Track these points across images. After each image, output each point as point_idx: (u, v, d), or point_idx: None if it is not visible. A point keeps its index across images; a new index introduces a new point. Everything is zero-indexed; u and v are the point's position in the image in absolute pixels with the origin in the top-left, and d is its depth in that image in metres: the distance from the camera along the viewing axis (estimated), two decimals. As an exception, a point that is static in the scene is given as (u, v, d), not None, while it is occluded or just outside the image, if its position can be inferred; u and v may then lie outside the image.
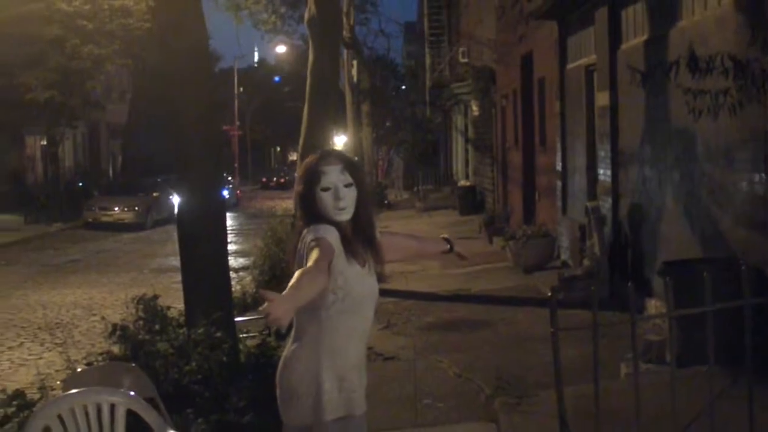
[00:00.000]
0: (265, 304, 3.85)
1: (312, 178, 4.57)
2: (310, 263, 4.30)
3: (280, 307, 3.86)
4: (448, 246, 5.50)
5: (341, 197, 4.52)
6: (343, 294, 4.46)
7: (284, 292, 4.07)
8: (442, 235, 5.62)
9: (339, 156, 4.75)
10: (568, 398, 5.53)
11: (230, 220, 33.93)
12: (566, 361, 5.85)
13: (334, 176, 4.54)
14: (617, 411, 6.33)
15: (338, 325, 4.49)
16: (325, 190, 4.52)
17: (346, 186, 4.54)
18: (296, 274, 4.22)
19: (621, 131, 13.73)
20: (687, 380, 6.63)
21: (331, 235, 4.43)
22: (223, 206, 10.22)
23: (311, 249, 4.37)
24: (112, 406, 5.69)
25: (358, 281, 4.54)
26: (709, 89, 8.71)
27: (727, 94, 8.51)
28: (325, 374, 4.48)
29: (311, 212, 4.55)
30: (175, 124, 9.58)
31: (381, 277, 4.84)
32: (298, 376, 4.51)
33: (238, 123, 75.00)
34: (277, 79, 73.81)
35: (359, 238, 4.65)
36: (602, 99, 14.46)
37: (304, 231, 4.51)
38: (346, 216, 4.55)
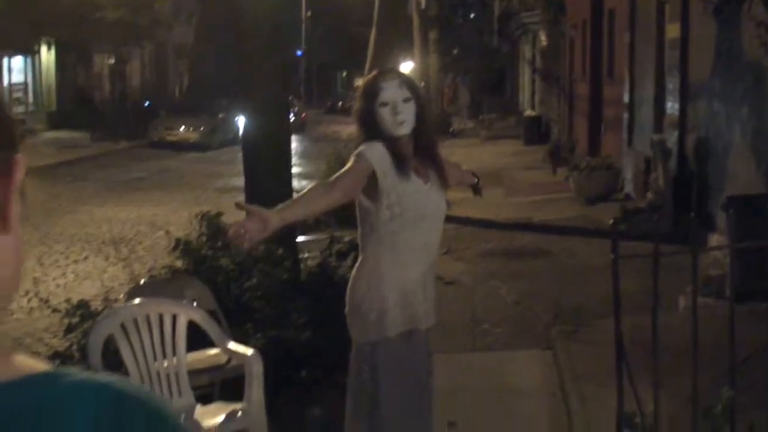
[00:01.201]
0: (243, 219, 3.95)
1: (370, 93, 4.62)
2: (332, 177, 4.42)
3: (254, 225, 3.96)
4: (476, 180, 5.54)
5: (399, 111, 4.56)
6: (400, 210, 4.50)
7: (276, 208, 4.16)
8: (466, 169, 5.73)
9: (396, 72, 4.84)
10: (625, 328, 5.54)
11: (295, 143, 33.96)
12: (625, 293, 5.85)
13: (392, 91, 4.58)
14: (674, 343, 6.32)
15: (398, 241, 4.54)
16: (384, 105, 4.56)
17: (405, 101, 4.58)
18: (309, 186, 4.32)
19: (690, 64, 13.54)
20: (746, 316, 6.61)
21: (375, 153, 4.47)
22: (289, 128, 10.26)
23: (348, 163, 4.48)
24: (174, 317, 5.79)
25: (419, 197, 4.57)
26: (783, 22, 8.57)
27: (801, 27, 8.38)
28: (388, 290, 4.54)
29: (370, 128, 4.60)
30: (241, 45, 9.60)
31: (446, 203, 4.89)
32: (362, 292, 4.58)
33: (304, 47, 74.86)
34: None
35: (420, 153, 4.69)
36: (673, 31, 14.26)
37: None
38: (405, 130, 4.58)
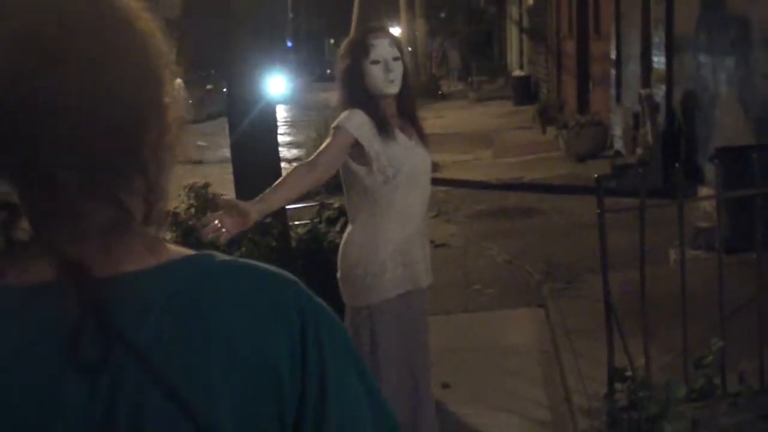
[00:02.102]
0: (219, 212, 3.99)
1: (361, 51, 4.57)
2: (312, 156, 4.44)
3: (232, 219, 3.99)
4: None
5: (391, 69, 4.53)
6: (394, 171, 4.47)
7: (257, 198, 4.18)
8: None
9: (386, 30, 4.80)
10: (615, 283, 5.56)
11: (284, 112, 33.92)
12: (615, 248, 5.87)
13: (384, 49, 4.55)
14: (664, 296, 6.34)
15: (393, 202, 4.52)
16: (375, 63, 4.52)
17: (395, 59, 4.55)
18: (291, 170, 4.41)
19: (676, 17, 13.50)
20: (736, 267, 6.61)
21: (354, 122, 4.44)
22: (274, 97, 10.20)
23: (327, 138, 4.47)
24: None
25: (408, 155, 4.56)
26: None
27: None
28: (385, 252, 4.52)
29: (357, 88, 4.55)
30: (226, 13, 9.52)
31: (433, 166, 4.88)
32: (356, 257, 4.55)
33: (291, 15, 74.68)
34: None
35: (403, 113, 4.67)
36: (657, -16, 14.21)
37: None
38: (395, 89, 4.56)
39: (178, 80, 1.36)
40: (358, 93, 4.53)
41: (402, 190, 4.52)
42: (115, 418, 1.18)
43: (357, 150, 4.43)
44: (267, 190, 4.28)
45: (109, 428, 1.18)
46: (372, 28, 4.83)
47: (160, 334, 1.20)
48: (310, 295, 1.34)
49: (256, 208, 4.09)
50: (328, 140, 4.45)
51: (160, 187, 1.32)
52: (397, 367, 4.60)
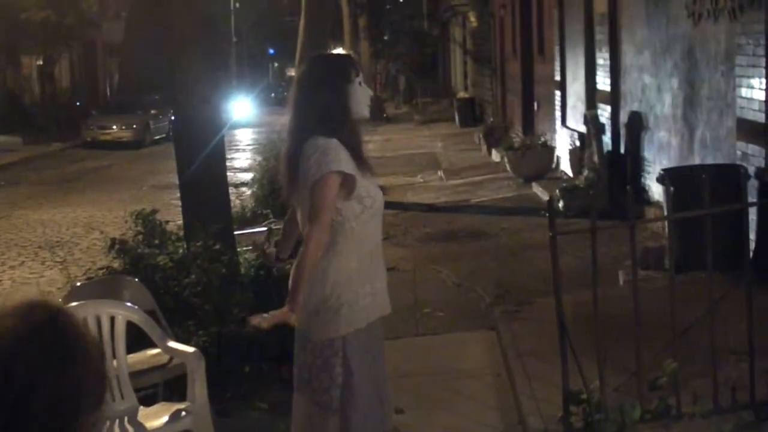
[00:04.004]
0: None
1: (354, 69, 4.58)
2: (314, 226, 4.30)
3: (290, 318, 4.33)
4: None
5: (369, 96, 4.62)
6: (371, 201, 4.45)
7: (290, 295, 4.32)
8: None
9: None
10: (567, 305, 5.54)
11: (233, 136, 33.82)
12: (566, 269, 5.86)
13: (363, 77, 4.66)
14: (616, 316, 6.35)
15: (366, 231, 4.49)
16: (362, 84, 4.57)
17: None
18: (304, 250, 4.35)
19: (620, 38, 13.61)
20: (686, 286, 6.64)
21: (338, 158, 4.33)
22: (221, 120, 10.12)
23: (319, 189, 4.32)
24: (112, 318, 5.69)
25: (374, 184, 4.58)
26: (709, -8, 8.62)
27: (727, -4, 8.42)
28: (359, 283, 4.47)
29: (340, 107, 4.46)
30: (169, 38, 9.44)
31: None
32: (329, 287, 4.44)
33: (235, 39, 74.47)
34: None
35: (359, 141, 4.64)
36: (601, 6, 14.32)
37: (309, 141, 4.40)
38: (368, 115, 4.62)
39: None
40: (340, 112, 4.45)
41: (373, 220, 4.51)
42: None
43: (343, 184, 4.38)
44: (295, 281, 4.35)
45: None
46: (351, 55, 4.88)
47: None
48: None
49: (296, 311, 4.31)
50: (322, 191, 4.29)
51: None
52: (369, 393, 4.57)
